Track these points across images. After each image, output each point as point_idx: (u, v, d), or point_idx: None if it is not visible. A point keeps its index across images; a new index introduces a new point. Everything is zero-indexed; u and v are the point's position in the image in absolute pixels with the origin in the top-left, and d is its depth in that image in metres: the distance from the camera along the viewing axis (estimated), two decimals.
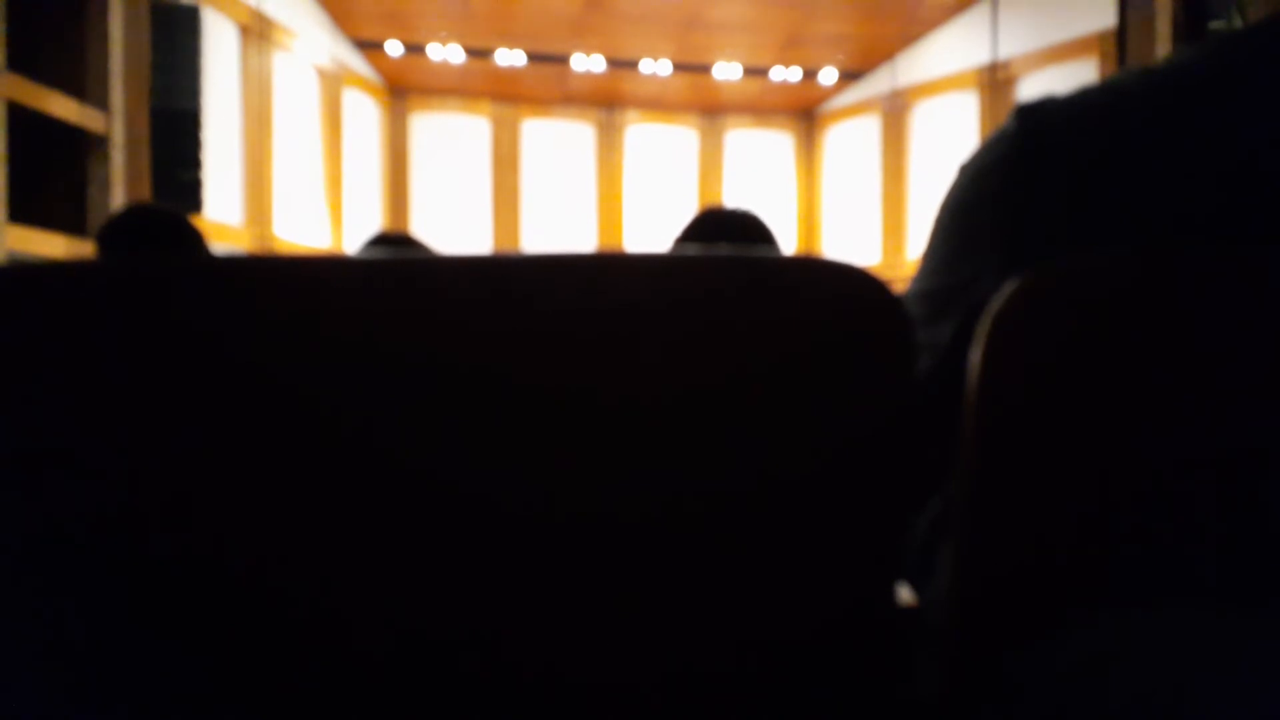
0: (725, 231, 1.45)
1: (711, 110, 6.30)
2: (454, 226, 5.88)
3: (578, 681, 0.49)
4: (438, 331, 0.45)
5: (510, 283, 0.46)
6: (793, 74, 5.75)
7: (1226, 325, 0.50)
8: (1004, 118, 0.62)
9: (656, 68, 5.62)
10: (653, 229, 6.11)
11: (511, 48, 5.43)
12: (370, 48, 5.41)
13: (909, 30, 5.30)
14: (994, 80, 4.88)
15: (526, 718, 0.48)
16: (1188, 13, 2.84)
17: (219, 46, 4.00)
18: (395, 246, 1.74)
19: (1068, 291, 0.50)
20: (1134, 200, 0.56)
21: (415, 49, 5.40)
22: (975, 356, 0.49)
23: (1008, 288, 0.49)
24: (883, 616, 0.50)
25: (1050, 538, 0.52)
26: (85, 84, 2.76)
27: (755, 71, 5.72)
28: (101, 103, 2.79)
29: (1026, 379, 0.50)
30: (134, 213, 1.61)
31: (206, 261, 0.54)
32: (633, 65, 5.61)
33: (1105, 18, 3.99)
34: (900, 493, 0.49)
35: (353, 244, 5.16)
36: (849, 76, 5.82)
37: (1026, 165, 0.59)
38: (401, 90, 5.89)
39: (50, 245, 2.59)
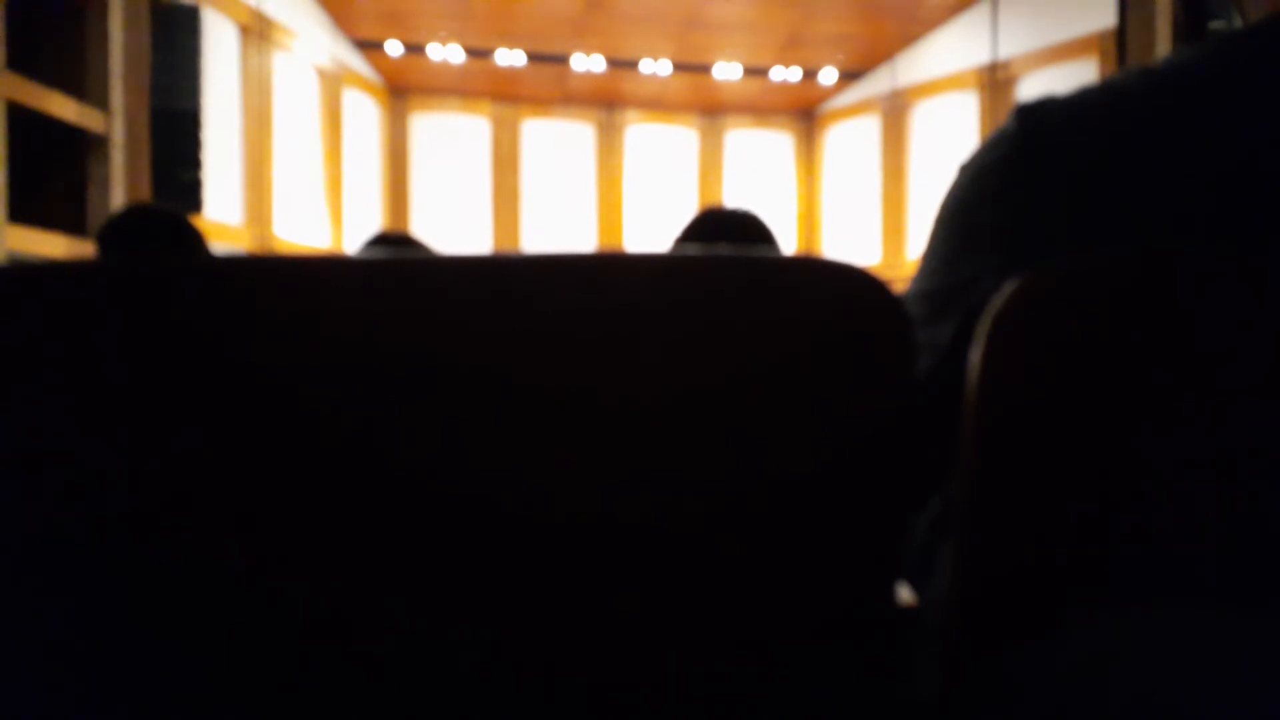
0: (725, 231, 1.45)
1: (711, 110, 6.30)
2: (454, 226, 5.88)
3: (578, 681, 0.49)
4: (438, 331, 0.45)
5: (510, 283, 0.46)
6: (793, 74, 5.75)
7: (1226, 325, 0.50)
8: (1004, 118, 0.62)
9: (656, 68, 5.62)
10: (653, 229, 6.11)
11: (511, 48, 5.43)
12: (370, 48, 5.41)
13: (909, 30, 5.31)
14: (994, 80, 4.88)
15: (527, 718, 0.48)
16: (1188, 13, 2.84)
17: (219, 46, 4.00)
18: (395, 246, 1.74)
19: (1068, 291, 0.50)
20: (1134, 200, 0.56)
21: (415, 49, 5.40)
22: (975, 356, 0.49)
23: (1008, 288, 0.49)
24: (883, 616, 0.50)
25: (1050, 538, 0.52)
26: (85, 84, 2.76)
27: (755, 71, 5.72)
28: (101, 103, 2.79)
29: (1026, 379, 0.50)
30: (134, 213, 1.61)
31: (206, 261, 0.54)
32: (633, 65, 5.61)
33: (1105, 18, 3.99)
34: (900, 493, 0.49)
35: (353, 244, 5.17)
36: (849, 76, 5.82)
37: (1026, 165, 0.59)
38: (401, 90, 5.89)
39: (50, 245, 2.59)
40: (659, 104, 6.19)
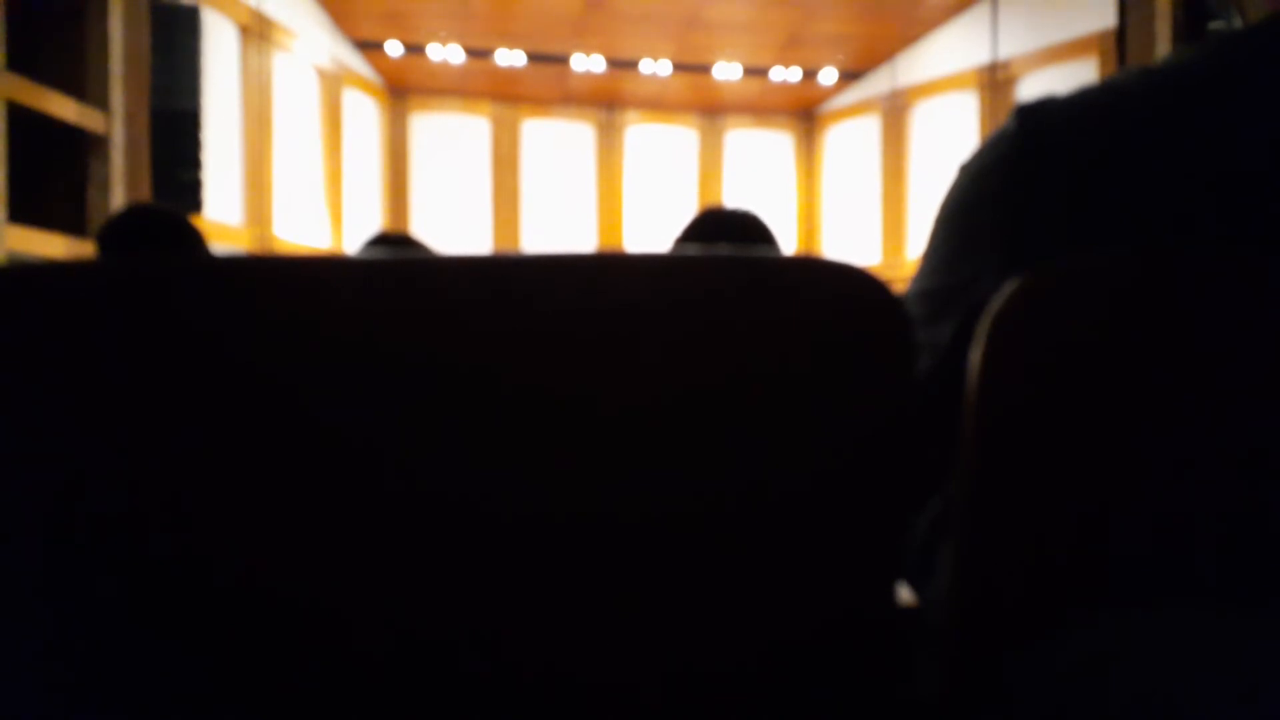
0: (725, 231, 1.45)
1: (711, 110, 6.30)
2: (454, 226, 5.87)
3: (578, 682, 0.49)
4: (438, 331, 0.45)
5: (510, 283, 0.46)
6: (793, 74, 5.75)
7: (1226, 325, 0.50)
8: (1004, 118, 0.62)
9: (656, 68, 5.62)
10: (653, 229, 6.11)
11: (511, 48, 5.43)
12: (370, 48, 5.41)
13: (909, 30, 5.30)
14: (994, 80, 4.88)
15: (527, 718, 0.48)
16: (1188, 13, 2.84)
17: (219, 46, 4.00)
18: (395, 246, 1.74)
19: (1068, 291, 0.50)
20: (1134, 200, 0.56)
21: (415, 49, 5.40)
22: (975, 356, 0.49)
23: (1008, 288, 0.49)
24: (883, 616, 0.50)
25: (1050, 538, 0.52)
26: (85, 84, 2.76)
27: (755, 71, 5.72)
28: (101, 103, 2.79)
29: (1026, 379, 0.50)
30: (134, 213, 1.61)
31: (206, 261, 0.54)
32: (633, 65, 5.61)
33: (1105, 18, 3.99)
34: (900, 493, 0.49)
35: (353, 244, 5.17)
36: (849, 76, 5.82)
37: (1026, 165, 0.59)
38: (401, 90, 5.89)
39: (50, 245, 2.59)
40: (659, 104, 6.19)
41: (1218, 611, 0.49)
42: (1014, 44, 4.79)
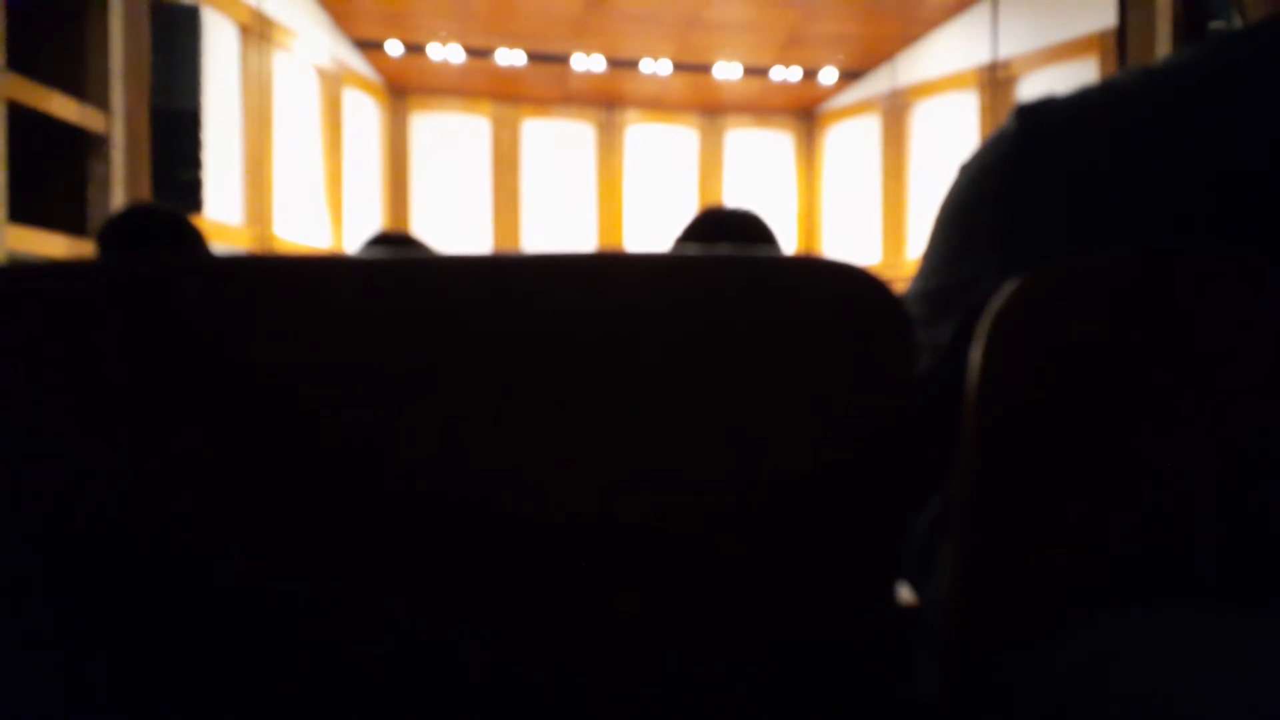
0: (726, 231, 1.45)
1: (712, 110, 6.30)
2: (454, 226, 5.88)
3: (579, 682, 0.49)
4: (438, 331, 0.45)
5: (510, 283, 0.46)
6: (793, 74, 5.75)
7: (1226, 325, 0.50)
8: (1004, 117, 0.62)
9: (657, 67, 5.62)
10: (653, 229, 6.11)
11: (512, 47, 5.43)
12: (370, 47, 5.41)
13: (909, 30, 5.31)
14: (994, 80, 4.88)
15: (527, 718, 0.48)
16: (1188, 13, 2.84)
17: (219, 46, 4.00)
18: (395, 246, 1.74)
19: (1068, 291, 0.50)
20: (1134, 200, 0.56)
21: (415, 49, 5.40)
22: (975, 356, 0.49)
23: (1008, 288, 0.49)
24: (883, 616, 0.50)
25: (1050, 538, 0.52)
26: (85, 84, 2.76)
27: (755, 71, 5.72)
28: (101, 102, 2.79)
29: (1026, 379, 0.50)
30: (134, 213, 1.61)
31: (206, 261, 0.54)
32: (633, 65, 5.61)
33: (1105, 17, 3.99)
34: (900, 493, 0.49)
35: (353, 244, 5.17)
36: (849, 76, 5.82)
37: (1027, 165, 0.59)
38: (402, 90, 5.89)
39: (50, 245, 2.59)
40: (659, 104, 6.19)
41: (1218, 611, 0.49)
42: (1014, 43, 4.79)
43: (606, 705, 0.49)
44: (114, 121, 2.82)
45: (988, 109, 4.93)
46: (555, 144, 6.13)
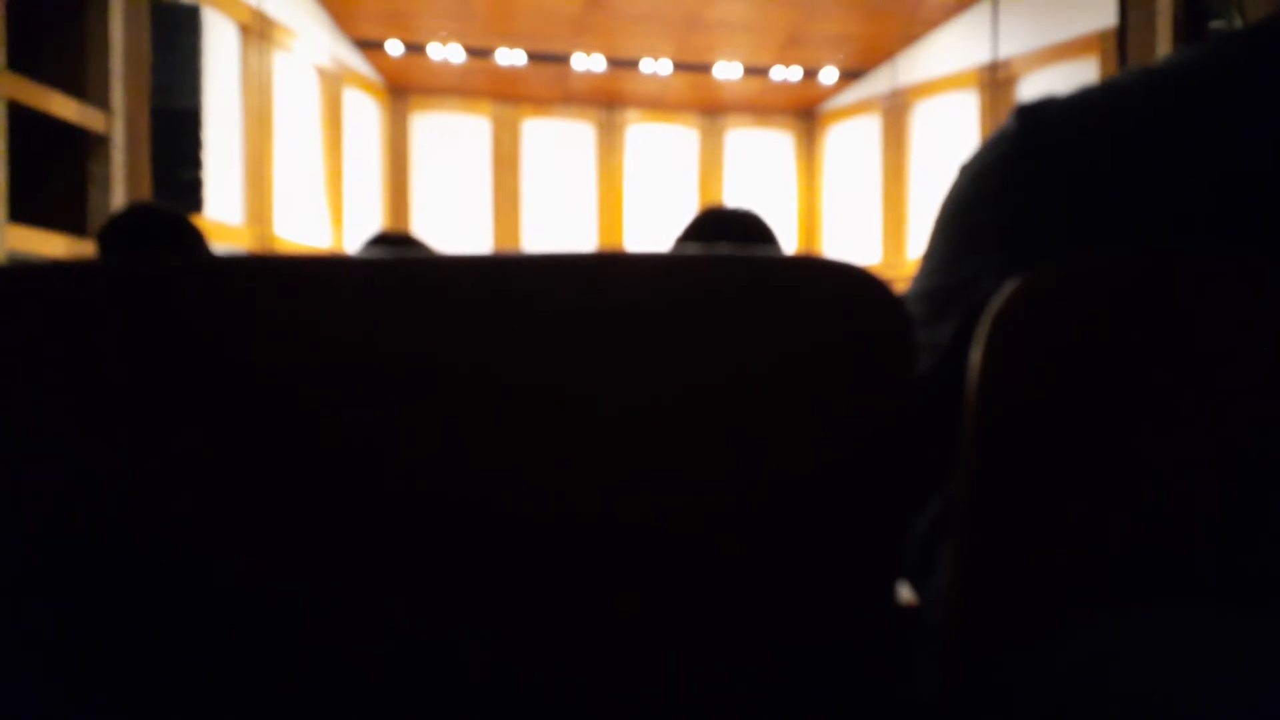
0: (726, 231, 1.45)
1: (712, 110, 6.29)
2: (454, 226, 5.88)
3: (579, 682, 0.49)
4: (438, 331, 0.45)
5: (510, 283, 0.46)
6: (793, 73, 5.75)
7: (1226, 325, 0.50)
8: (1004, 117, 0.62)
9: (657, 67, 5.62)
10: (653, 229, 6.11)
11: (512, 47, 5.43)
12: (370, 47, 5.41)
13: (909, 30, 5.30)
14: (994, 80, 4.88)
15: (527, 718, 0.48)
16: (1188, 13, 2.84)
17: (219, 46, 4.00)
18: (396, 246, 1.74)
19: (1068, 291, 0.50)
20: (1134, 200, 0.56)
21: (415, 48, 5.40)
22: (975, 356, 0.49)
23: (1008, 287, 0.49)
24: (883, 616, 0.50)
25: (1050, 538, 0.52)
26: (85, 83, 2.76)
27: (756, 71, 5.72)
28: (102, 102, 2.79)
29: (1026, 379, 0.50)
30: (134, 212, 1.61)
31: (207, 261, 0.54)
32: (633, 65, 5.61)
33: (1106, 17, 3.99)
34: (900, 493, 0.49)
35: (353, 243, 5.17)
36: (849, 76, 5.82)
37: (1027, 165, 0.59)
38: (402, 90, 5.89)
39: (50, 245, 2.59)
40: (659, 103, 6.19)
41: (1218, 611, 0.49)
42: (1014, 43, 4.79)
43: (606, 705, 0.49)
44: (114, 121, 2.82)
45: (988, 109, 4.93)
46: (555, 144, 6.13)
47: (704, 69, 5.69)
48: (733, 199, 6.18)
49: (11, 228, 2.43)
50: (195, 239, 1.62)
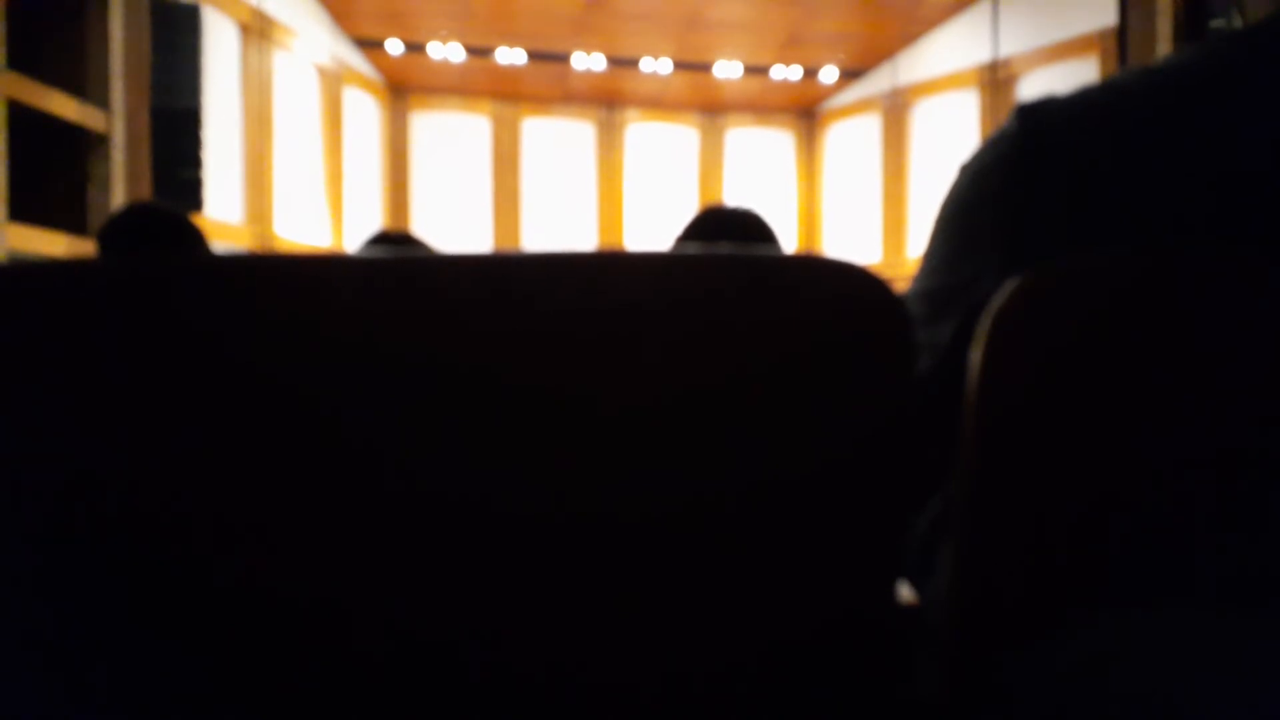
0: (726, 230, 1.45)
1: (712, 109, 6.29)
2: (454, 225, 5.87)
3: (578, 681, 0.49)
4: (438, 331, 0.45)
5: (510, 282, 0.46)
6: (793, 72, 5.74)
7: (1226, 325, 0.50)
8: (1004, 116, 0.62)
9: (657, 66, 5.62)
10: (653, 228, 6.11)
11: (512, 46, 5.42)
12: (371, 46, 5.41)
13: (909, 29, 5.30)
14: (994, 79, 4.88)
15: (527, 718, 0.48)
16: (1188, 12, 2.84)
17: (219, 45, 4.00)
18: (396, 245, 1.74)
19: (1068, 291, 0.50)
20: (1134, 200, 0.56)
21: (416, 47, 5.39)
22: (975, 356, 0.49)
23: (1008, 287, 0.49)
24: (883, 616, 0.50)
25: (1050, 538, 0.52)
26: (86, 83, 2.76)
27: (756, 70, 5.72)
28: (102, 101, 2.79)
29: (1026, 379, 0.50)
30: (135, 212, 1.61)
31: (207, 261, 0.54)
32: (633, 64, 5.61)
33: (1106, 16, 3.99)
34: (900, 493, 0.49)
35: (353, 242, 5.16)
36: (850, 75, 5.82)
37: (1027, 165, 0.59)
38: (402, 89, 5.89)
39: (50, 244, 2.59)
40: (659, 103, 6.19)
41: (1218, 611, 0.49)
42: (1015, 42, 4.79)
43: (606, 705, 0.49)
44: (114, 120, 2.82)
45: (988, 108, 4.93)
46: (555, 143, 6.13)
47: (704, 68, 5.69)
48: (733, 198, 6.17)
49: (11, 227, 2.43)
50: (195, 238, 1.61)
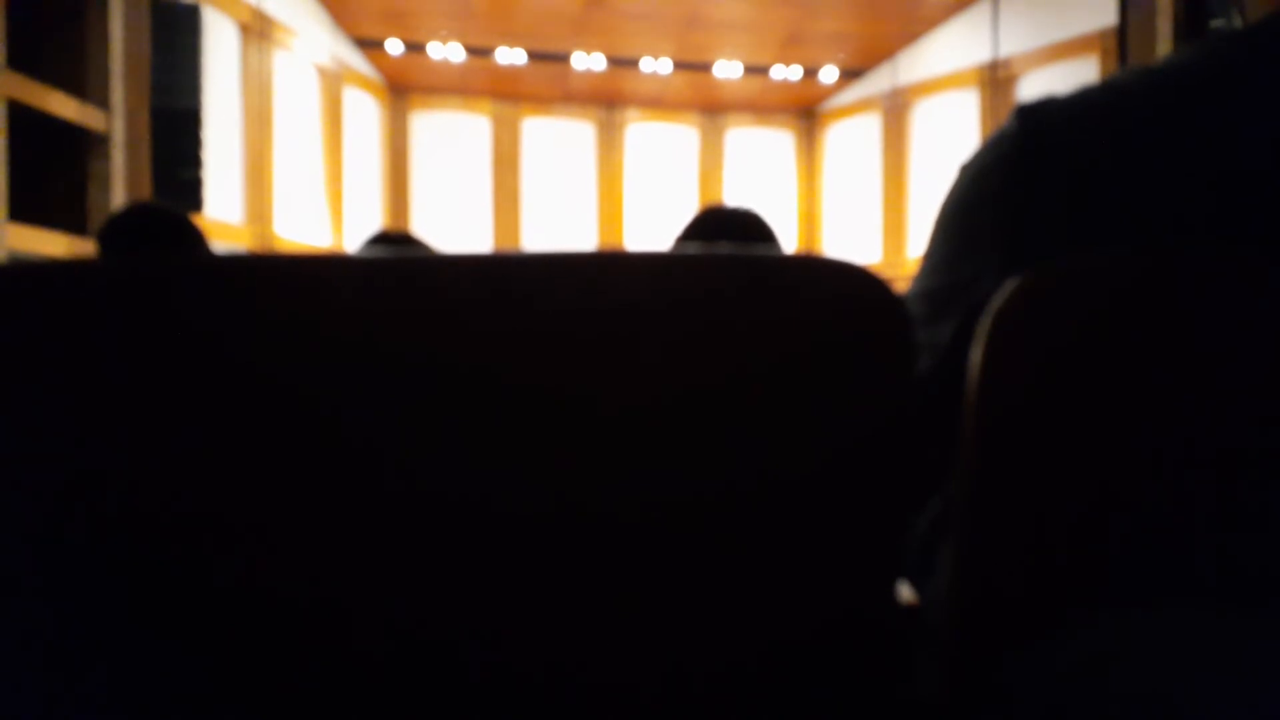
0: (726, 230, 1.45)
1: (712, 109, 6.29)
2: (454, 225, 5.87)
3: (578, 681, 0.49)
4: (438, 331, 0.45)
5: (510, 282, 0.46)
6: (793, 72, 5.74)
7: (1226, 325, 0.50)
8: (1004, 116, 0.62)
9: (657, 66, 5.62)
10: (653, 228, 6.11)
11: (512, 46, 5.42)
12: (371, 46, 5.41)
13: (910, 28, 5.30)
14: (994, 78, 4.88)
15: (527, 718, 0.48)
16: (1188, 12, 2.84)
17: (219, 45, 4.00)
18: (396, 245, 1.74)
19: (1068, 291, 0.50)
20: (1134, 200, 0.56)
21: (416, 47, 5.39)
22: (975, 356, 0.49)
23: (1008, 287, 0.49)
24: (883, 616, 0.50)
25: (1050, 538, 0.52)
26: (86, 83, 2.76)
27: (756, 70, 5.72)
28: (102, 101, 2.79)
29: (1026, 379, 0.50)
30: (135, 212, 1.61)
31: (207, 261, 0.54)
32: (633, 64, 5.61)
33: (1106, 16, 3.99)
34: (900, 493, 0.49)
35: (353, 242, 5.16)
36: (850, 75, 5.82)
37: (1027, 165, 0.59)
38: (402, 89, 5.89)
39: (50, 244, 2.59)
40: (659, 102, 6.19)
41: (1218, 611, 0.49)
42: (1015, 42, 4.79)
43: (606, 705, 0.49)
44: (114, 120, 2.82)
45: (988, 108, 4.93)
46: (555, 143, 6.13)
47: (704, 68, 5.69)
48: (733, 198, 6.17)
49: (11, 227, 2.43)
50: (195, 238, 1.61)
